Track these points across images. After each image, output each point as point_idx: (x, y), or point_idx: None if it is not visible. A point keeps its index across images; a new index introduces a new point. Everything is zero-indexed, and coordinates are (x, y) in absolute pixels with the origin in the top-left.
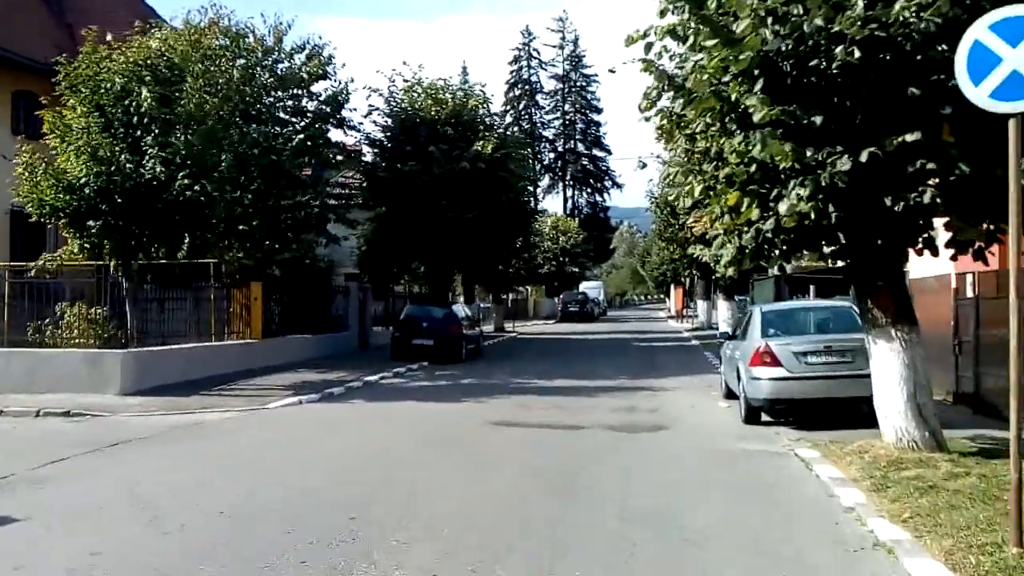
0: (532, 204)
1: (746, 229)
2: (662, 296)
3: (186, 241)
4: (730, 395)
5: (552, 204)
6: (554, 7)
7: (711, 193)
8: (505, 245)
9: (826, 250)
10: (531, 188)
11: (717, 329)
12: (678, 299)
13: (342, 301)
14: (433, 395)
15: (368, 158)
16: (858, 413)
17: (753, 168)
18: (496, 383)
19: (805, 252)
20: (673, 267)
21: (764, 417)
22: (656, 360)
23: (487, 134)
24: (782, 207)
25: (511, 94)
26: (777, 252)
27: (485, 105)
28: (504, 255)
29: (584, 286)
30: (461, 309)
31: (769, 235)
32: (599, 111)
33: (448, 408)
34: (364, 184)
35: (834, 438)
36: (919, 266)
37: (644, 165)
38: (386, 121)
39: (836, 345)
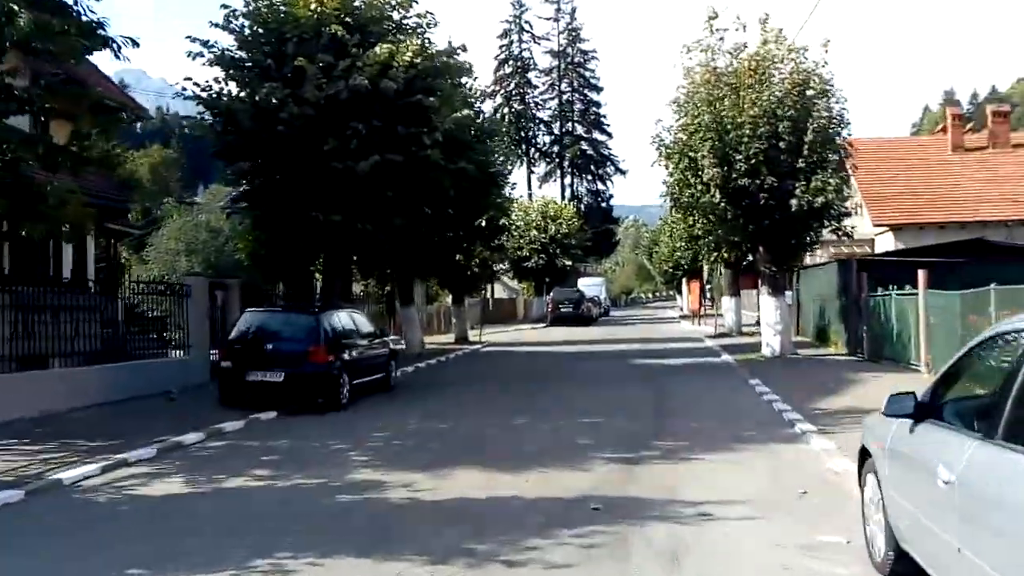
0: (500, 163)
1: None
2: (671, 293)
3: None
4: (902, 558)
5: (550, 193)
6: None
7: None
8: (452, 220)
9: None
10: (488, 136)
11: (760, 335)
12: (694, 295)
13: (178, 309)
14: (120, 549)
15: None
16: None
17: None
18: (331, 485)
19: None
20: (692, 252)
21: None
22: (673, 400)
23: (402, 39)
24: None
25: (501, 71)
26: None
27: (407, 4)
28: (454, 237)
29: (583, 283)
30: (346, 318)
31: None
32: (599, 90)
33: None
34: (209, 122)
35: None
36: None
37: None
38: (242, 25)
39: None
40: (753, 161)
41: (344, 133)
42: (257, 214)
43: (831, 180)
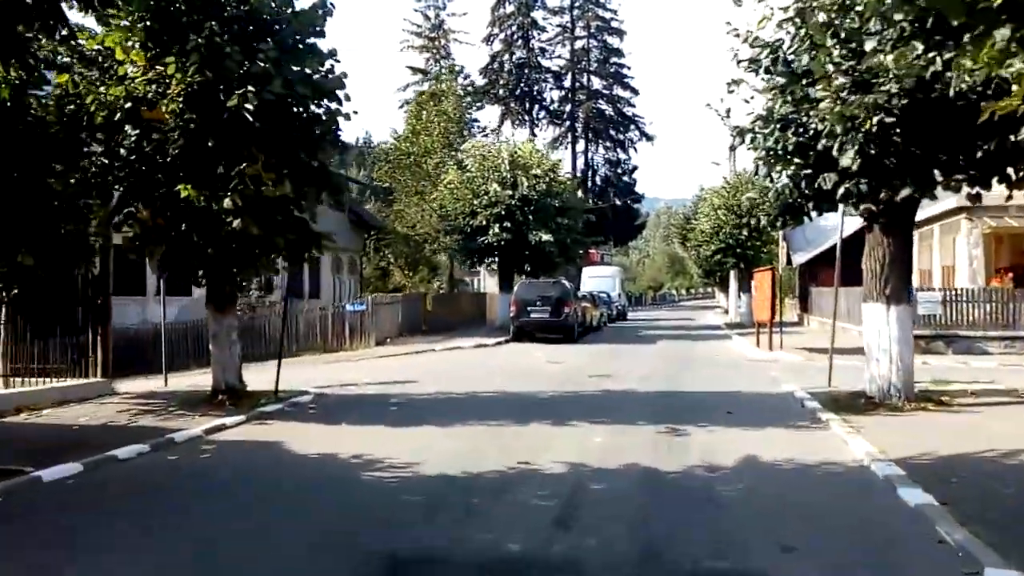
0: None
1: None
2: (711, 290)
3: None
4: None
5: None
6: None
7: None
8: None
9: None
10: None
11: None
12: (763, 294)
13: None
14: None
15: None
16: None
17: None
18: None
19: None
20: (782, 201)
21: None
22: None
23: None
24: None
25: (500, 11)
26: None
27: None
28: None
29: (588, 274)
30: None
31: None
32: (621, 35)
33: None
34: None
35: None
36: None
37: None
38: None
39: None
40: None
41: None
42: None
43: None
